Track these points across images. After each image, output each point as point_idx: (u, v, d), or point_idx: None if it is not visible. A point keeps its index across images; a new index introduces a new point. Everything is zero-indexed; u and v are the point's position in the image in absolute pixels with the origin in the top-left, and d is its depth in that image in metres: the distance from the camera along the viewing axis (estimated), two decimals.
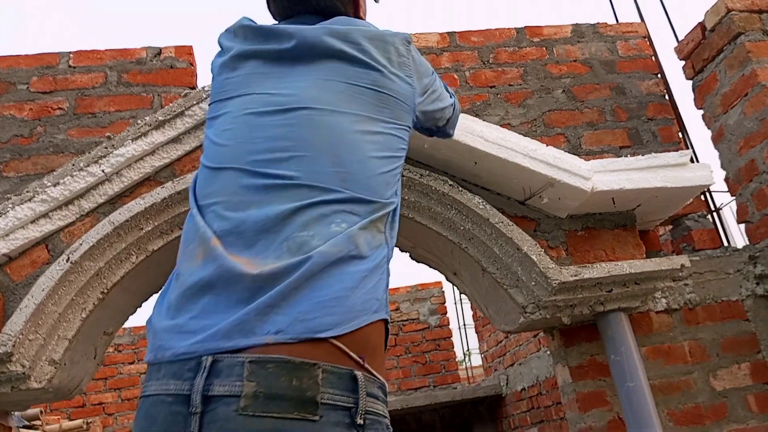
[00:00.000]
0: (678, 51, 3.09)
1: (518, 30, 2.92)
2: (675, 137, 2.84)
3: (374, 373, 1.11)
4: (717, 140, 2.95)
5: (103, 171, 2.20)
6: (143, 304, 2.51)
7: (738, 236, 3.14)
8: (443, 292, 8.23)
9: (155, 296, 2.46)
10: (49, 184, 2.17)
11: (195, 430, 1.00)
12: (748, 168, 2.77)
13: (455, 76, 2.77)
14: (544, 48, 2.91)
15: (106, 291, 2.20)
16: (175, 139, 2.29)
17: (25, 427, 4.38)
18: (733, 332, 2.61)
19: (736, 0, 2.79)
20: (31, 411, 4.46)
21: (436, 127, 1.75)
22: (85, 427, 5.05)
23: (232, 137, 1.29)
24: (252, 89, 1.34)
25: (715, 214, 2.98)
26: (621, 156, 2.68)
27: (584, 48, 2.93)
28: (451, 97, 1.75)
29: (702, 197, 2.94)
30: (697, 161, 2.96)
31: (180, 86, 2.58)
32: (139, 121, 2.29)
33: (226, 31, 1.48)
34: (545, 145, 2.33)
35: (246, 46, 1.40)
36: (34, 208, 2.14)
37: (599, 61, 2.92)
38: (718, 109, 2.90)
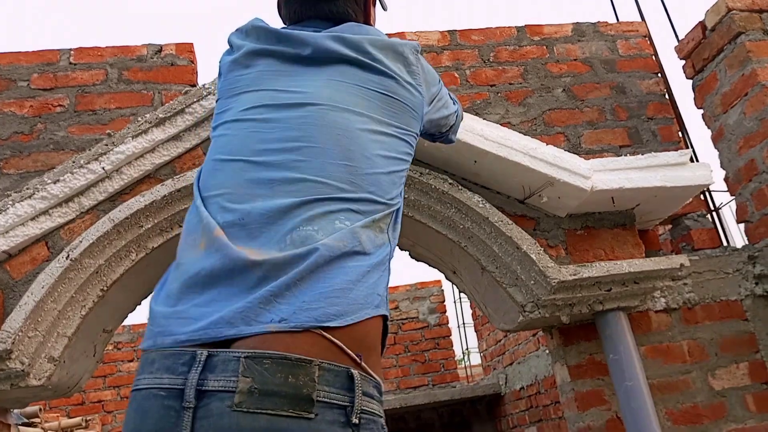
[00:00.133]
0: (678, 50, 3.09)
1: (519, 29, 2.93)
2: (675, 136, 2.84)
3: (370, 371, 1.10)
4: (717, 140, 2.96)
5: (103, 168, 2.20)
6: (143, 302, 2.51)
7: (737, 236, 3.14)
8: (442, 290, 8.24)
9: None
10: (50, 181, 2.17)
11: (188, 425, 0.99)
12: (747, 168, 2.77)
13: (456, 75, 2.77)
14: (545, 47, 2.91)
15: (105, 288, 2.20)
16: (176, 137, 2.30)
17: (24, 424, 4.39)
18: (731, 332, 2.61)
19: None
20: (30, 408, 4.46)
21: (439, 133, 1.76)
22: (84, 424, 5.05)
23: (241, 129, 1.30)
24: (264, 85, 1.35)
25: (714, 213, 2.98)
26: (621, 155, 2.68)
27: (585, 47, 2.93)
28: (454, 104, 1.76)
29: (701, 197, 2.94)
30: (697, 161, 2.96)
31: (181, 84, 2.58)
32: (139, 119, 2.29)
33: (237, 30, 1.49)
34: (545, 144, 2.33)
35: (259, 45, 1.41)
36: (34, 205, 2.14)
37: (599, 60, 2.92)
38: (718, 109, 2.90)
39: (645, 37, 3.04)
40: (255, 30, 1.44)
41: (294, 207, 1.16)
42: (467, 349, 8.58)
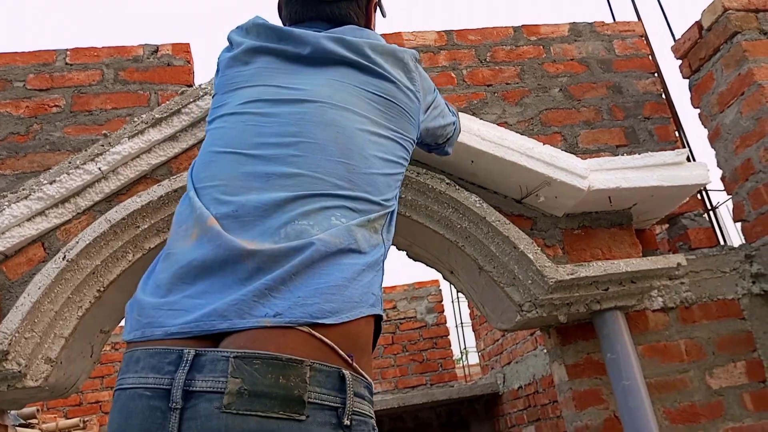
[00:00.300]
0: (675, 50, 3.09)
1: (515, 29, 2.93)
2: (671, 136, 2.84)
3: (362, 372, 1.08)
4: (713, 139, 2.96)
5: (99, 169, 2.20)
6: None
7: (734, 235, 3.14)
8: (440, 290, 8.25)
9: None
10: (46, 181, 2.16)
11: (174, 427, 0.96)
12: (744, 167, 2.78)
13: (452, 75, 2.77)
14: (542, 47, 2.91)
15: (102, 289, 2.19)
16: (172, 137, 2.29)
17: (21, 425, 4.38)
18: (729, 331, 2.62)
19: None
20: (27, 410, 4.45)
21: (435, 144, 1.76)
22: (81, 425, 5.04)
23: (238, 122, 1.29)
24: (263, 81, 1.34)
25: (711, 212, 2.98)
26: (617, 155, 2.68)
27: (581, 47, 2.93)
28: (453, 115, 1.76)
29: (698, 196, 2.94)
30: (694, 160, 2.96)
31: (177, 84, 2.58)
32: (135, 119, 2.29)
33: (237, 27, 1.48)
34: (542, 143, 2.34)
35: (259, 42, 1.40)
36: (30, 205, 2.14)
37: (596, 59, 2.92)
38: (715, 108, 2.91)
39: (641, 36, 3.04)
40: (256, 27, 1.43)
41: (289, 201, 1.15)
42: (465, 348, 8.59)
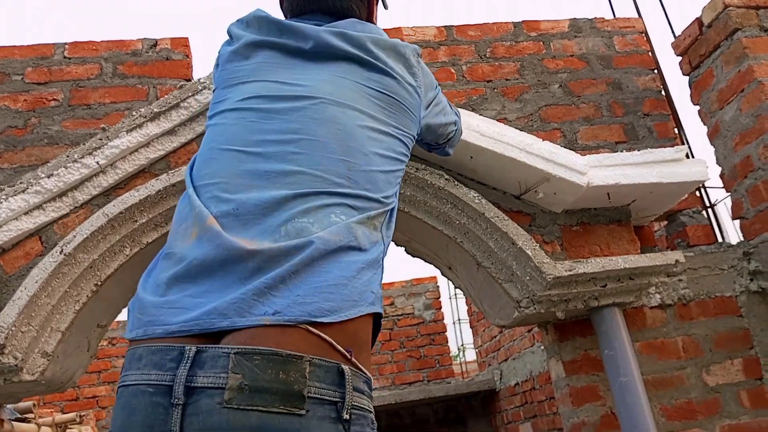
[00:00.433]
0: (675, 46, 3.08)
1: (515, 24, 2.92)
2: (671, 133, 2.84)
3: (361, 367, 1.09)
4: (713, 136, 2.96)
5: (97, 163, 2.19)
6: None
7: (732, 232, 3.14)
8: (438, 286, 8.25)
9: None
10: (43, 175, 2.16)
11: (176, 422, 0.97)
12: (743, 164, 2.78)
13: (452, 70, 2.76)
14: (541, 42, 2.90)
15: (99, 283, 2.19)
16: (171, 131, 2.29)
17: (18, 419, 4.37)
18: (726, 328, 2.62)
19: None
20: (23, 404, 4.44)
21: (436, 143, 1.76)
22: (78, 420, 5.04)
23: (238, 119, 1.28)
24: (264, 77, 1.34)
25: (710, 210, 2.98)
26: (617, 151, 2.68)
27: (581, 43, 2.93)
28: (454, 114, 1.75)
29: (697, 193, 2.94)
30: (693, 157, 2.96)
31: (176, 78, 2.57)
32: (134, 113, 2.28)
33: (238, 21, 1.47)
34: (541, 139, 2.33)
35: (260, 36, 1.39)
36: (27, 199, 2.13)
37: (596, 56, 2.92)
38: (714, 105, 2.90)
39: (642, 33, 3.03)
40: (257, 20, 1.42)
41: (289, 199, 1.15)
42: (462, 345, 8.60)
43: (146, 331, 1.07)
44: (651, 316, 2.60)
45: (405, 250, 2.69)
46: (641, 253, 2.47)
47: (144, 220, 2.20)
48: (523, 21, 2.94)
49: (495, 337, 6.86)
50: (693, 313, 2.62)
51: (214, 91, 1.43)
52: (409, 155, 1.43)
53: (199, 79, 2.34)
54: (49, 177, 2.15)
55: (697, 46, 2.94)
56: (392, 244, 2.63)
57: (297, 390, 0.98)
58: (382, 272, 1.24)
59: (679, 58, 3.07)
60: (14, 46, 2.51)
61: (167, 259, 1.16)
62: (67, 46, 2.54)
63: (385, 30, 2.72)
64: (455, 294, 8.39)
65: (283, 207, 1.14)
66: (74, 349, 2.28)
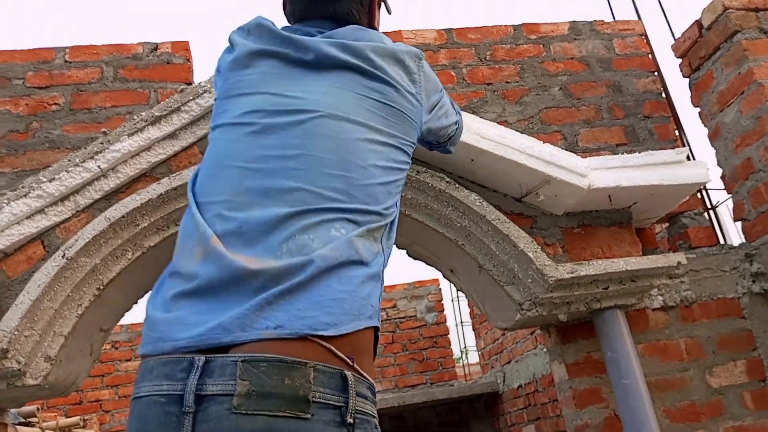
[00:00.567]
0: (675, 49, 3.08)
1: (515, 27, 2.92)
2: (671, 135, 2.84)
3: (363, 373, 1.12)
4: (713, 138, 2.96)
5: (98, 167, 2.20)
6: (139, 301, 2.50)
7: (734, 234, 3.14)
8: (440, 289, 8.24)
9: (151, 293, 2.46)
10: (45, 179, 2.16)
11: (188, 429, 1.01)
12: (744, 166, 2.77)
13: (452, 73, 2.77)
14: (541, 45, 2.91)
15: (101, 287, 2.19)
16: (172, 135, 2.29)
17: (21, 424, 4.37)
18: (729, 330, 2.62)
19: None
20: (27, 408, 4.45)
21: (437, 142, 1.76)
22: (82, 424, 5.04)
23: (239, 134, 1.29)
24: (264, 89, 1.34)
25: (711, 211, 2.98)
26: (617, 154, 2.68)
27: (581, 45, 2.93)
28: (456, 114, 1.76)
29: (698, 195, 2.94)
30: (694, 159, 2.96)
31: (176, 82, 2.58)
32: (135, 117, 2.28)
33: (239, 28, 1.47)
34: (542, 142, 2.33)
35: (261, 46, 1.40)
36: (29, 203, 2.14)
37: (596, 58, 2.92)
38: (715, 107, 2.90)
39: (641, 35, 3.03)
40: (258, 29, 1.43)
41: (290, 216, 1.17)
42: (465, 347, 8.59)
43: (155, 347, 1.11)
44: (653, 318, 2.59)
45: (407, 253, 2.69)
46: (643, 255, 2.47)
47: (146, 224, 2.21)
48: (522, 24, 2.94)
49: (497, 339, 6.86)
50: (695, 315, 2.62)
51: (216, 100, 1.43)
52: (410, 162, 1.43)
53: (199, 83, 2.35)
54: (50, 181, 2.16)
55: (697, 49, 2.94)
56: (394, 247, 2.64)
57: (302, 395, 1.02)
58: (382, 284, 1.27)
59: (679, 61, 3.08)
60: (15, 50, 2.52)
61: (174, 278, 1.19)
62: (68, 50, 2.55)
63: (385, 33, 2.73)
64: (457, 296, 8.38)
65: (285, 224, 1.16)
66: (77, 353, 2.28)
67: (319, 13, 1.49)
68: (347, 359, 1.09)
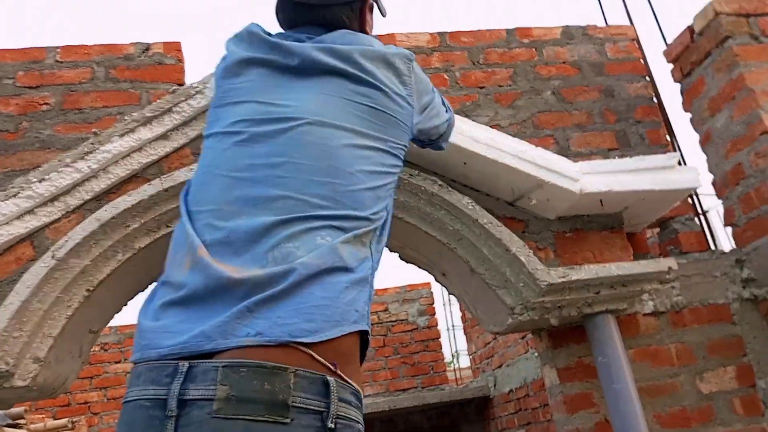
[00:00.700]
0: (666, 54, 3.10)
1: (508, 31, 2.93)
2: (663, 140, 2.85)
3: (347, 379, 1.13)
4: (704, 143, 2.97)
5: (89, 167, 2.18)
6: (129, 303, 2.49)
7: (725, 239, 3.16)
8: (432, 293, 8.25)
9: (141, 294, 2.45)
10: (35, 180, 2.15)
11: None
12: (734, 171, 2.79)
13: (445, 76, 2.77)
14: (534, 49, 2.91)
15: (91, 289, 2.18)
16: (163, 136, 2.28)
17: (9, 425, 4.35)
18: (719, 335, 2.62)
19: (725, 4, 2.80)
20: (15, 410, 4.42)
21: (429, 140, 1.77)
22: (70, 426, 5.01)
23: (228, 144, 1.32)
24: (253, 97, 1.36)
25: (702, 217, 2.99)
26: (609, 158, 2.68)
27: (573, 50, 2.94)
28: (447, 111, 1.77)
29: (689, 200, 2.95)
30: (685, 164, 2.97)
31: (168, 83, 2.57)
32: (126, 118, 2.27)
33: (234, 36, 1.50)
34: (534, 146, 2.34)
35: (251, 54, 1.42)
36: (19, 204, 2.12)
37: (588, 63, 2.93)
38: (706, 113, 2.92)
39: (633, 40, 3.05)
40: (249, 36, 1.45)
41: (276, 225, 1.19)
42: (456, 351, 8.60)
43: (143, 354, 1.14)
44: (644, 323, 2.60)
45: (399, 256, 2.69)
46: (634, 260, 2.47)
47: (136, 225, 2.19)
48: (515, 28, 2.95)
49: (489, 343, 6.86)
50: (686, 320, 2.63)
51: (211, 108, 1.45)
52: (402, 164, 1.44)
53: (192, 84, 2.34)
54: (40, 181, 2.14)
55: (689, 54, 2.95)
56: (386, 250, 2.64)
57: (281, 399, 1.03)
58: (371, 288, 1.27)
59: (671, 66, 3.09)
60: (6, 49, 2.50)
61: (164, 287, 1.22)
62: (59, 50, 2.53)
63: (379, 36, 2.73)
64: (449, 300, 8.39)
65: (270, 233, 1.18)
66: (66, 354, 2.26)
67: (310, 20, 1.50)
68: (329, 365, 1.10)
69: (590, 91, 2.87)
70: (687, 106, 3.04)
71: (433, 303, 8.19)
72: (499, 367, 6.45)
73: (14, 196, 2.12)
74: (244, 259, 1.16)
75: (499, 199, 2.45)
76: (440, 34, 2.85)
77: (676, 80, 3.08)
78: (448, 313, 8.52)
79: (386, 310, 8.01)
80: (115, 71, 2.54)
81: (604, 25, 3.09)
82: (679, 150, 3.05)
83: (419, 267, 2.72)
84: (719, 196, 2.94)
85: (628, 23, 3.32)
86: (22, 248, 2.15)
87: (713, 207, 3.23)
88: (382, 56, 1.42)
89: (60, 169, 2.16)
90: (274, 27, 1.58)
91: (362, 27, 1.56)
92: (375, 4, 1.61)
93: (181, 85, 2.57)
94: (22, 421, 4.50)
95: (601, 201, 2.39)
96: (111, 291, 2.29)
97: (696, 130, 3.02)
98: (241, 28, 1.50)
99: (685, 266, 2.69)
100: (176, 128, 2.29)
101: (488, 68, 2.83)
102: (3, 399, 2.17)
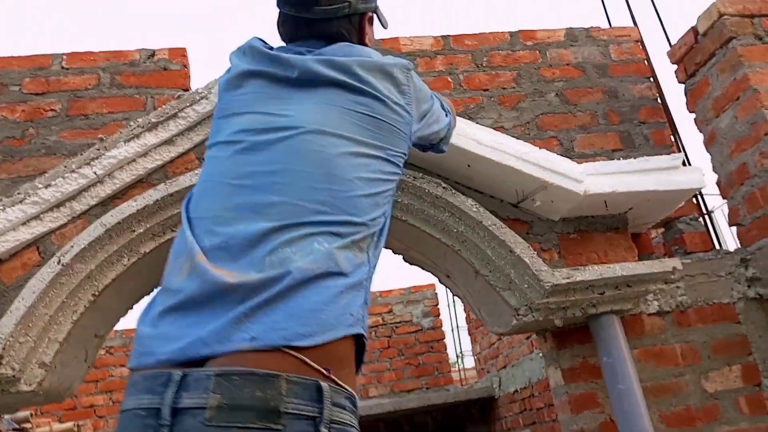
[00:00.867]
0: (670, 55, 3.10)
1: (512, 33, 2.93)
2: (667, 141, 2.85)
3: (341, 383, 1.13)
4: (709, 144, 2.97)
5: (95, 173, 2.20)
6: (135, 307, 2.50)
7: (730, 239, 3.15)
8: (436, 294, 8.24)
9: (146, 299, 2.46)
10: (41, 185, 2.16)
11: None
12: (739, 171, 2.79)
13: (449, 79, 2.77)
14: (538, 51, 2.91)
15: (97, 293, 2.19)
16: (168, 141, 2.29)
17: (15, 429, 4.36)
18: (724, 335, 2.62)
19: (729, 4, 2.80)
20: (21, 414, 4.44)
21: (430, 144, 1.79)
22: (75, 429, 5.03)
23: (230, 152, 1.34)
24: (254, 108, 1.39)
25: (706, 217, 2.99)
26: (613, 159, 2.68)
27: (577, 52, 2.94)
28: (447, 115, 1.78)
29: (694, 200, 2.95)
30: (689, 164, 2.97)
31: (173, 88, 2.58)
32: (131, 123, 2.28)
33: (237, 49, 1.53)
34: (538, 148, 2.34)
35: (251, 66, 1.45)
36: (25, 210, 2.13)
37: (592, 64, 2.93)
38: (710, 113, 2.92)
39: (637, 42, 3.04)
40: (251, 49, 1.48)
41: (275, 230, 1.20)
42: (461, 352, 8.60)
43: (141, 361, 1.15)
44: (649, 323, 2.60)
45: (403, 258, 2.70)
46: (639, 260, 2.47)
47: (141, 230, 2.20)
48: (519, 30, 2.95)
49: (494, 344, 6.86)
50: (691, 320, 2.63)
51: (214, 120, 1.48)
52: (400, 172, 1.46)
53: (197, 89, 2.35)
54: (46, 187, 2.15)
55: (693, 55, 2.95)
56: (390, 251, 2.64)
57: (273, 406, 1.03)
58: (367, 292, 1.28)
59: (675, 67, 3.09)
60: (12, 56, 2.52)
61: (163, 294, 1.23)
62: (64, 57, 2.54)
63: (382, 40, 2.74)
64: (453, 301, 8.38)
65: (269, 238, 1.19)
66: (72, 359, 2.27)
67: (310, 33, 1.53)
68: (323, 370, 1.11)
69: (594, 93, 2.87)
70: (691, 107, 3.04)
71: (437, 304, 8.18)
72: (504, 367, 6.44)
73: (20, 202, 2.13)
74: (242, 263, 1.17)
75: (503, 201, 2.46)
76: (444, 37, 2.86)
77: (680, 81, 3.08)
78: (452, 314, 8.51)
79: (391, 311, 8.01)
80: (121, 77, 2.55)
81: (607, 26, 3.10)
82: (684, 150, 3.05)
83: (424, 269, 2.72)
84: (724, 196, 2.94)
85: (632, 24, 3.32)
86: (28, 254, 2.16)
87: (718, 207, 3.22)
88: (381, 67, 1.44)
89: (66, 175, 2.17)
90: (274, 34, 1.61)
91: (362, 39, 1.59)
92: (375, 16, 1.63)
93: (186, 90, 2.59)
94: (27, 425, 4.51)
95: (605, 202, 2.39)
96: (116, 295, 2.30)
97: (700, 130, 3.01)
98: (243, 41, 1.54)
99: (689, 266, 2.69)
100: (181, 133, 2.30)
101: (492, 71, 2.83)
102: (9, 404, 2.19)
